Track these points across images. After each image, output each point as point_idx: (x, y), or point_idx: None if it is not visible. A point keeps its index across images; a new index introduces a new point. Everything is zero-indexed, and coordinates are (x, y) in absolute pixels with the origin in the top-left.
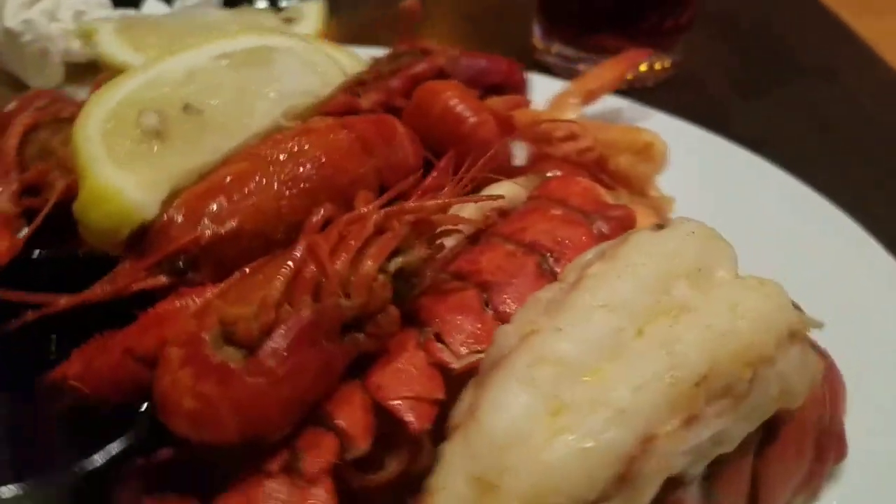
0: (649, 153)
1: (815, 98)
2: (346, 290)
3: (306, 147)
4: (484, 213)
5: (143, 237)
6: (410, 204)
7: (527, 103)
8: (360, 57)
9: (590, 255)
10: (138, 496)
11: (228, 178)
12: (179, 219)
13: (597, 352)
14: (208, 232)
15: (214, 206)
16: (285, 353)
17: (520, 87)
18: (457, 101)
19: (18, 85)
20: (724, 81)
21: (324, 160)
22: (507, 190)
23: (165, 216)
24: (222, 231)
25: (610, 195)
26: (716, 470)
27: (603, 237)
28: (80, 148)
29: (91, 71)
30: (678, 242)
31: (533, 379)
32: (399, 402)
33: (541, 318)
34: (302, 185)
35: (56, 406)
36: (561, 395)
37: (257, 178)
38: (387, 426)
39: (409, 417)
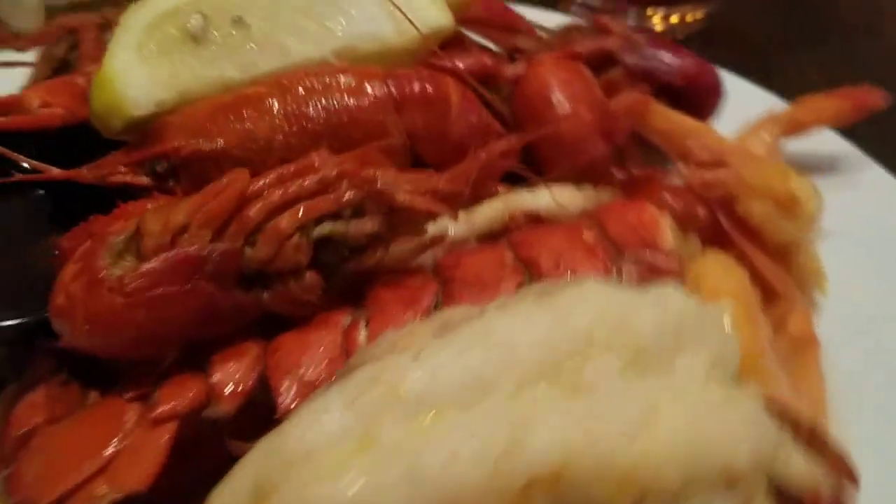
0: (793, 209)
1: (858, 54)
2: (252, 238)
3: (328, 87)
4: (509, 214)
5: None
6: (369, 171)
7: (645, 102)
8: (449, 16)
9: (535, 287)
10: (46, 372)
11: (237, 99)
12: (172, 125)
13: (449, 394)
14: (192, 145)
15: (208, 122)
16: (150, 281)
17: (708, 96)
18: (554, 84)
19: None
20: (765, 35)
21: (339, 105)
22: (549, 198)
23: (162, 120)
24: (206, 147)
25: (684, 242)
26: None
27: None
28: (116, 32)
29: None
30: (632, 309)
31: (355, 401)
32: (284, 375)
33: (425, 335)
34: (305, 124)
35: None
36: (376, 430)
37: (264, 105)
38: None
39: (282, 394)
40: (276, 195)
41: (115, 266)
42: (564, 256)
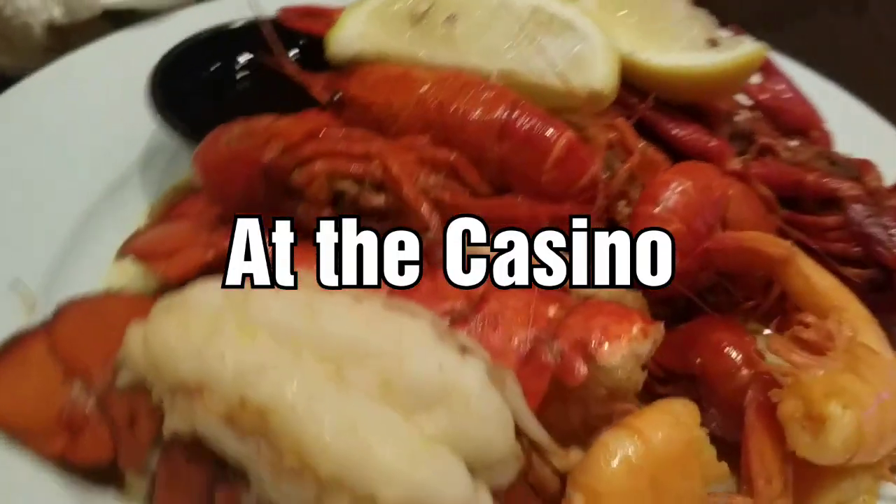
0: (817, 430)
1: (842, 31)
2: (299, 165)
3: (461, 94)
4: None
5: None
6: (396, 164)
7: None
8: (611, 86)
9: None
10: None
11: (402, 73)
12: (358, 72)
13: (269, 325)
14: (356, 90)
15: (374, 81)
16: (229, 156)
17: None
18: (673, 185)
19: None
20: (747, 9)
21: (457, 110)
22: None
23: (357, 65)
24: (361, 97)
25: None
26: None
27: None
28: None
29: (76, 31)
30: (422, 358)
31: (228, 294)
32: None
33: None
34: (426, 113)
35: None
36: (221, 315)
37: (414, 86)
38: None
39: None
40: (328, 145)
41: (233, 139)
42: (507, 308)
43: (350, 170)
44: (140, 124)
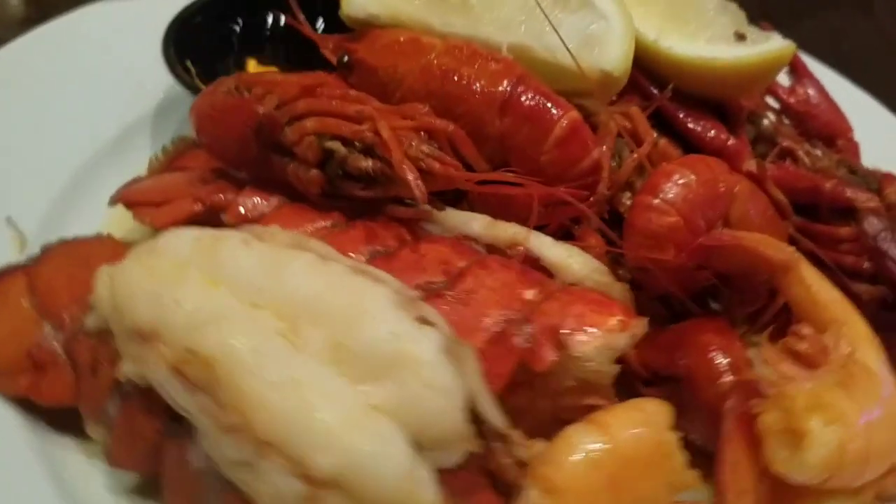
0: (797, 443)
1: (847, 31)
2: (291, 122)
3: (468, 64)
4: (513, 244)
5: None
6: (386, 127)
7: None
8: (623, 69)
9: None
10: None
11: (411, 39)
12: (368, 34)
13: (233, 278)
14: (363, 52)
15: (383, 45)
16: (223, 106)
17: None
18: (676, 177)
19: None
20: (747, 9)
21: (461, 80)
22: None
23: (368, 27)
24: (367, 59)
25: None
26: None
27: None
28: None
29: (53, 2)
30: (374, 322)
31: (198, 240)
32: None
33: (282, 240)
34: (429, 81)
35: None
36: (187, 263)
37: (421, 53)
38: None
39: None
40: (322, 103)
41: (231, 91)
42: (484, 287)
43: (340, 130)
44: (155, 79)
